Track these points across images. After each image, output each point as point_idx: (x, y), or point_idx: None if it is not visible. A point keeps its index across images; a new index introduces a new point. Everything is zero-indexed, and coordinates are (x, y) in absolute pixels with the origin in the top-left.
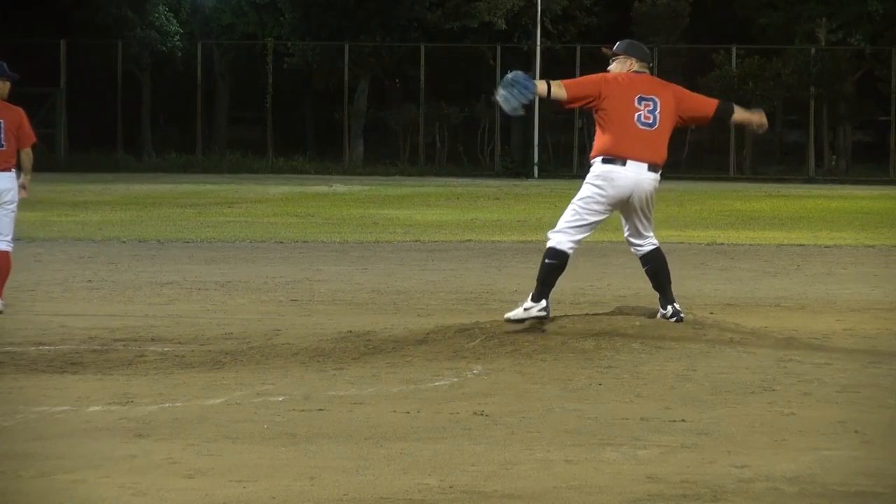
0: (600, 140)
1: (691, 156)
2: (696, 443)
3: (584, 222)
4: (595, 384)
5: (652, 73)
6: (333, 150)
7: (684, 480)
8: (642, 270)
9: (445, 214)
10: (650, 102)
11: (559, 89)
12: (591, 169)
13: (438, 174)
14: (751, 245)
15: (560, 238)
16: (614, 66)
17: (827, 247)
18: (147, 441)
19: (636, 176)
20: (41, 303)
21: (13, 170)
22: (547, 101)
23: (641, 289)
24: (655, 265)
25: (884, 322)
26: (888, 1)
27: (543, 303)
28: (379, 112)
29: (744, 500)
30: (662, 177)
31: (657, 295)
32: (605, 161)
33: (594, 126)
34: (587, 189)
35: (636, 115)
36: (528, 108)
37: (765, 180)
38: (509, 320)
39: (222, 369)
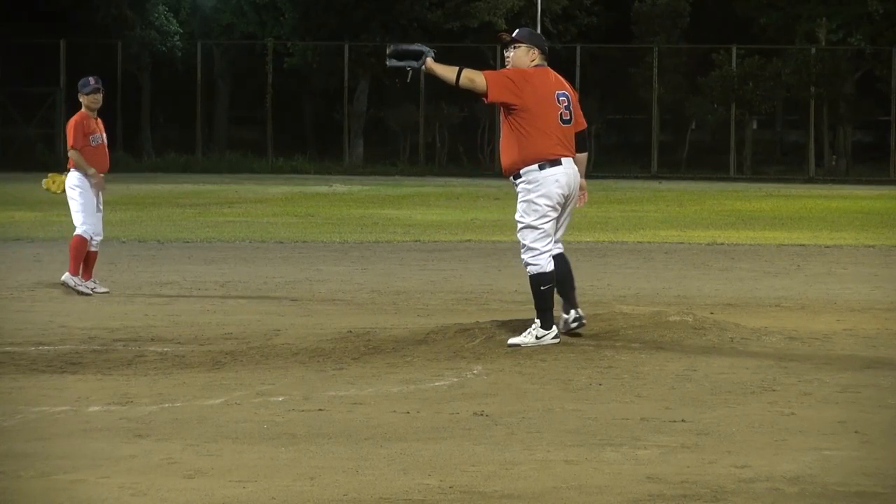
0: (530, 144)
1: (691, 156)
2: (696, 443)
3: (547, 233)
4: (595, 384)
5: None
6: (333, 150)
7: (684, 480)
8: (642, 270)
9: (445, 214)
10: (565, 98)
11: (474, 83)
12: (526, 179)
13: (438, 174)
14: (751, 245)
15: (544, 259)
16: (516, 55)
17: (827, 247)
18: (147, 441)
19: (571, 170)
20: (41, 303)
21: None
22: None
23: (641, 289)
24: (566, 269)
25: (884, 322)
26: (888, 1)
27: (555, 329)
28: (379, 112)
29: (744, 500)
30: (663, 176)
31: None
32: (542, 167)
33: (501, 129)
34: (535, 206)
35: (558, 113)
36: None
37: (765, 180)
38: (514, 345)
39: (222, 369)
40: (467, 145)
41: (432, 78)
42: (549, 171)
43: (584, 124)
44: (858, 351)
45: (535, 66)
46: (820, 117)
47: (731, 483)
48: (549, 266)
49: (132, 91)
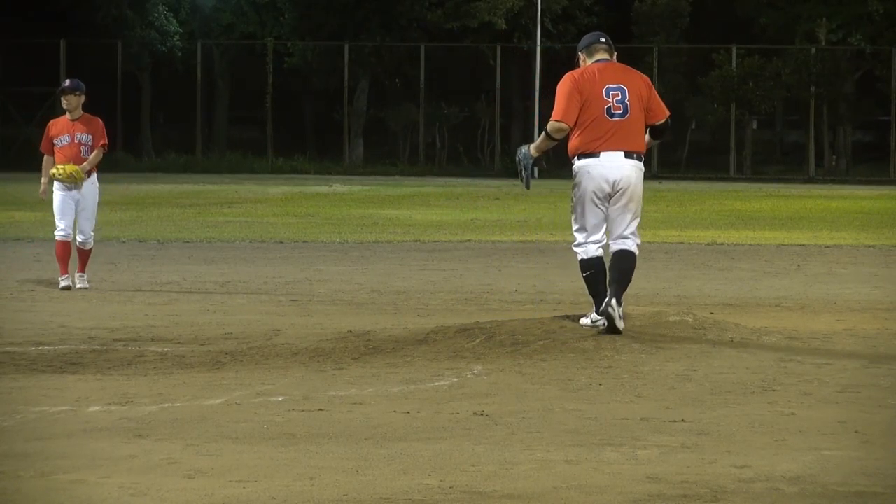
0: (573, 139)
1: (691, 156)
2: (696, 443)
3: (590, 223)
4: (595, 384)
5: (617, 60)
6: (333, 150)
7: (684, 480)
8: (642, 270)
9: (445, 214)
10: (618, 91)
11: (557, 127)
12: (573, 170)
13: (438, 174)
14: (751, 245)
15: (584, 248)
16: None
17: (827, 247)
18: (147, 441)
19: (612, 164)
20: (41, 303)
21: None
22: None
23: (642, 289)
24: (620, 264)
25: (884, 322)
26: (888, 1)
27: None
28: (379, 112)
29: (744, 500)
30: (663, 176)
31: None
32: (580, 158)
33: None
34: (573, 194)
35: (605, 107)
36: (529, 107)
37: (765, 180)
38: (585, 326)
39: (222, 369)
40: (467, 145)
41: (432, 78)
42: (583, 162)
43: (660, 116)
44: (858, 351)
45: (595, 62)
46: (820, 117)
47: (731, 483)
48: (587, 254)
49: (132, 91)
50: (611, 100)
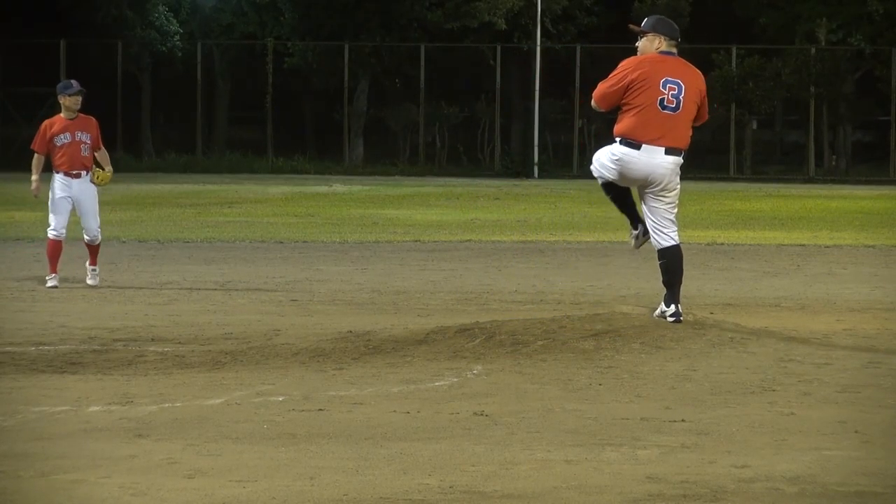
0: (622, 120)
1: (691, 156)
2: (696, 443)
3: (610, 166)
4: (595, 384)
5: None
6: (333, 150)
7: (684, 480)
8: (642, 270)
9: (445, 214)
10: (675, 86)
11: (594, 105)
12: (614, 144)
13: (438, 174)
14: (751, 245)
15: (596, 163)
16: (642, 44)
17: (827, 247)
18: (147, 441)
19: (650, 159)
20: (41, 303)
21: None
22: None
23: (641, 289)
24: (669, 262)
25: (884, 322)
26: (888, 1)
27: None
28: (379, 112)
29: (744, 500)
30: None
31: (656, 294)
32: (622, 143)
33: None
34: (608, 157)
35: (659, 98)
36: (529, 107)
37: (765, 180)
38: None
39: (222, 369)
40: (467, 145)
41: (432, 78)
42: (624, 150)
43: (702, 119)
44: (858, 351)
45: (661, 52)
46: (820, 117)
47: (731, 483)
48: (608, 178)
49: (132, 91)
50: (666, 92)
